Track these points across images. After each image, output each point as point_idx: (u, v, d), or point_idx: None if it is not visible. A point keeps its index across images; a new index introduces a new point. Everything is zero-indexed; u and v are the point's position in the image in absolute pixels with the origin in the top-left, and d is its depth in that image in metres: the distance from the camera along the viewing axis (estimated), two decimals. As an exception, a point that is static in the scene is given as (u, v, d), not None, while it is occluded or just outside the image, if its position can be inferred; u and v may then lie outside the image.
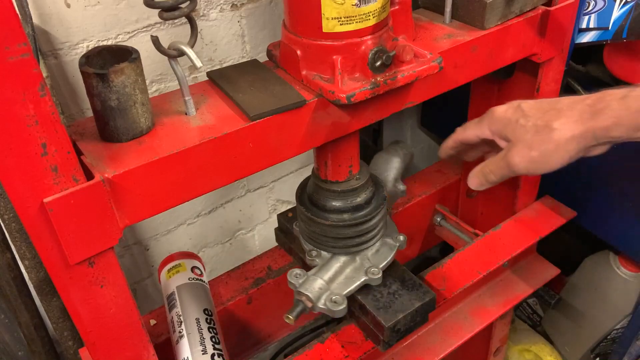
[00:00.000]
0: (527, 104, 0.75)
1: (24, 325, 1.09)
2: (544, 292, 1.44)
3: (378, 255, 0.93)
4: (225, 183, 0.72)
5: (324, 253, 0.93)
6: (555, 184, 1.30)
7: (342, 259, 0.92)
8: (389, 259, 0.93)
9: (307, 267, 0.93)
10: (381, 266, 0.91)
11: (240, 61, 0.99)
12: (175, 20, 1.07)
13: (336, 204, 0.89)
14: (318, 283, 0.87)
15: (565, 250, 1.49)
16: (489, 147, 0.85)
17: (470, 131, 0.83)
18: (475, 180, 0.81)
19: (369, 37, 0.73)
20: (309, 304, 0.85)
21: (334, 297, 0.85)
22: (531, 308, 1.76)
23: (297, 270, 0.90)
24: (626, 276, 1.40)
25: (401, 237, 0.95)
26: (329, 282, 0.88)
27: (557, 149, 0.70)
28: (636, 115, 0.66)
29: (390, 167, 1.02)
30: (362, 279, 0.89)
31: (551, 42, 0.99)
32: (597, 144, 0.70)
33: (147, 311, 1.07)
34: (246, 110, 0.70)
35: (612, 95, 0.68)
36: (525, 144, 0.72)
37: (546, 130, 0.70)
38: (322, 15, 0.70)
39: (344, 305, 0.85)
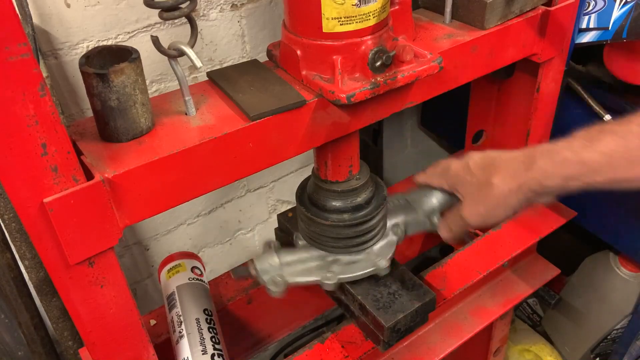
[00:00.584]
0: (473, 161, 0.81)
1: (24, 325, 1.09)
2: (544, 292, 1.44)
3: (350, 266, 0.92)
4: (225, 183, 0.72)
5: (303, 242, 0.95)
6: (555, 184, 1.29)
7: (315, 253, 0.93)
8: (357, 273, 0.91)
9: None
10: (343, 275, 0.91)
11: (240, 61, 0.99)
12: (175, 20, 1.07)
13: (336, 204, 0.89)
14: (273, 260, 0.89)
15: (565, 250, 1.49)
16: None
17: (435, 180, 0.89)
18: (444, 233, 0.88)
19: (369, 37, 0.73)
20: (253, 272, 0.89)
21: (277, 279, 0.88)
22: (531, 308, 1.76)
23: (274, 242, 0.92)
24: (626, 276, 1.40)
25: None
26: (284, 265, 0.90)
27: (499, 204, 0.77)
28: (561, 166, 0.71)
29: (430, 196, 0.92)
30: (314, 278, 0.90)
31: (551, 42, 0.99)
32: (537, 194, 0.75)
33: (147, 311, 1.07)
34: (246, 110, 0.70)
35: (539, 151, 0.74)
36: (473, 200, 0.80)
37: (487, 186, 0.77)
38: (322, 15, 0.70)
39: (280, 289, 0.87)
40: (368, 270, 0.91)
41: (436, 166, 0.90)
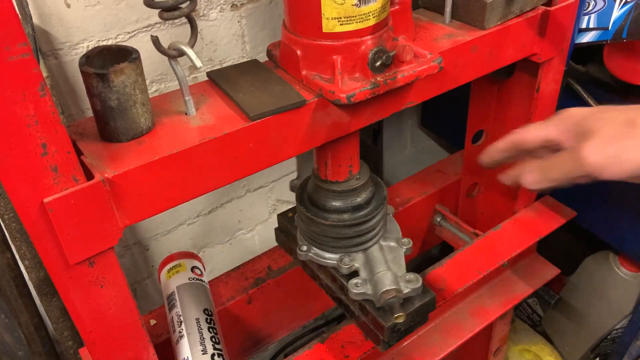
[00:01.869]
0: (609, 106, 0.68)
1: (24, 325, 1.09)
2: (544, 292, 1.45)
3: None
4: (225, 183, 0.72)
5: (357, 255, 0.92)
6: (555, 184, 1.29)
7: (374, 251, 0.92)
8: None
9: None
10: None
11: (240, 61, 0.99)
12: (175, 20, 1.07)
13: (336, 204, 0.89)
14: (389, 275, 0.85)
15: (565, 250, 1.49)
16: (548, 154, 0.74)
17: (533, 132, 0.72)
18: (532, 176, 0.69)
19: (369, 37, 0.73)
20: (400, 294, 0.84)
21: (406, 277, 0.85)
22: (531, 308, 1.76)
23: (356, 280, 0.87)
24: (626, 276, 1.40)
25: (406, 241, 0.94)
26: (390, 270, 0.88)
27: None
28: None
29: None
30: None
31: (551, 42, 0.99)
32: None
33: (147, 311, 1.07)
34: (246, 110, 0.70)
35: None
36: (606, 136, 0.63)
37: (632, 125, 0.62)
38: (322, 15, 0.70)
39: (420, 281, 0.85)
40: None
41: (549, 119, 0.72)
